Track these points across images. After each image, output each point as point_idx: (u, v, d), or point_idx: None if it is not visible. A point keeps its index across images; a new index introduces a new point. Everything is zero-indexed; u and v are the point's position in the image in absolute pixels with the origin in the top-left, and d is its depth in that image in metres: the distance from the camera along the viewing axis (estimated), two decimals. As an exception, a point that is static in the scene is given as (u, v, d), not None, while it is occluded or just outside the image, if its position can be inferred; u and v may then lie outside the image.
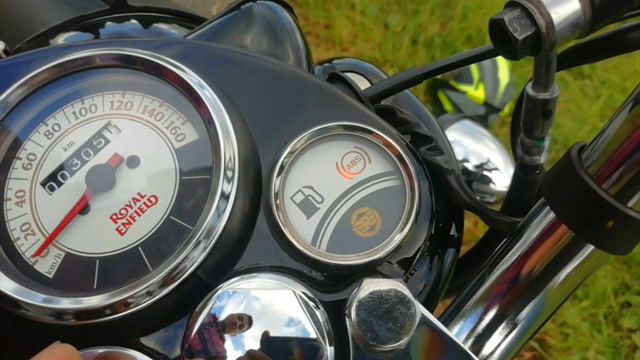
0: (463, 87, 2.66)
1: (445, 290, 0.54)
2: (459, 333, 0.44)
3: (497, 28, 0.38)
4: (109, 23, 0.68)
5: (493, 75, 2.65)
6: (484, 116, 2.74)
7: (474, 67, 2.70)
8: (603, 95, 2.97)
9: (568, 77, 2.97)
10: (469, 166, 1.13)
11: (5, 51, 0.61)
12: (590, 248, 0.40)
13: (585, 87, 2.95)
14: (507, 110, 2.75)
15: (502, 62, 2.63)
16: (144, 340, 0.45)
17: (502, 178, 1.16)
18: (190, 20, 0.73)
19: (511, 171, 1.17)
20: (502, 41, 0.38)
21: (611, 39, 0.44)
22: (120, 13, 0.68)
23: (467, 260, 0.58)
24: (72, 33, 0.67)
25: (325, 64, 0.66)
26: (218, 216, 0.44)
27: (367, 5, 3.05)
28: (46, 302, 0.42)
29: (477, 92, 2.68)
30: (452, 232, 0.53)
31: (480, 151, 1.14)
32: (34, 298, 0.42)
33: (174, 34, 0.72)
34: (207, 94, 0.48)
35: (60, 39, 0.66)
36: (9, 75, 0.50)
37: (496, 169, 1.16)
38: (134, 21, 0.70)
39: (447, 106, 2.75)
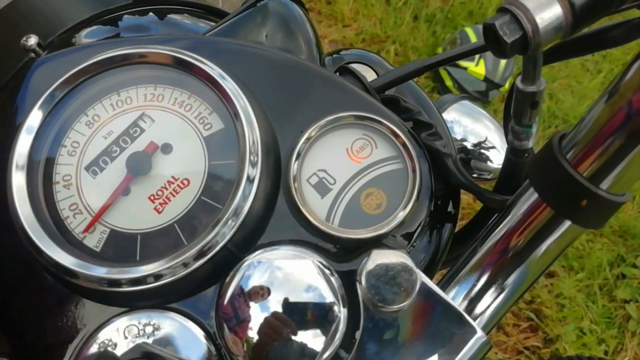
0: (464, 63, 2.70)
1: (443, 261, 0.60)
2: (454, 297, 0.51)
3: (489, 31, 0.44)
4: (127, 16, 0.74)
5: (493, 51, 2.68)
6: (485, 92, 2.78)
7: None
8: (604, 69, 3.00)
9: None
10: (468, 145, 1.18)
11: (39, 45, 0.66)
12: (567, 223, 0.47)
13: (586, 61, 2.98)
14: (507, 85, 2.80)
15: (502, 38, 2.65)
16: (180, 305, 0.52)
17: (498, 156, 1.21)
18: (207, 12, 0.79)
19: (508, 150, 1.23)
20: (494, 42, 0.44)
21: (591, 37, 0.50)
22: (142, 6, 0.73)
23: (462, 235, 0.64)
24: (94, 27, 0.72)
25: (334, 55, 0.72)
26: (244, 197, 0.50)
27: (370, -20, 3.06)
28: (98, 272, 0.49)
29: (477, 68, 2.72)
30: (450, 209, 0.60)
31: (478, 130, 1.19)
32: (88, 269, 0.49)
33: (191, 26, 0.77)
34: (232, 87, 0.54)
35: (84, 33, 0.72)
36: (54, 70, 0.56)
37: (493, 147, 1.21)
38: (151, 14, 0.75)
39: (448, 82, 2.79)
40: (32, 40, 0.65)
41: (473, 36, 2.75)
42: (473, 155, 1.14)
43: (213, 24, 0.79)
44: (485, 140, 1.16)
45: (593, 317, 2.24)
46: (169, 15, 0.76)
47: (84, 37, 0.71)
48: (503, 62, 2.74)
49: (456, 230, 0.62)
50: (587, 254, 2.39)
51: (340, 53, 0.73)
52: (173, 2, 0.76)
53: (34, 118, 0.53)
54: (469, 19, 3.08)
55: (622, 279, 2.36)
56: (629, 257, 2.40)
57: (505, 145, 1.22)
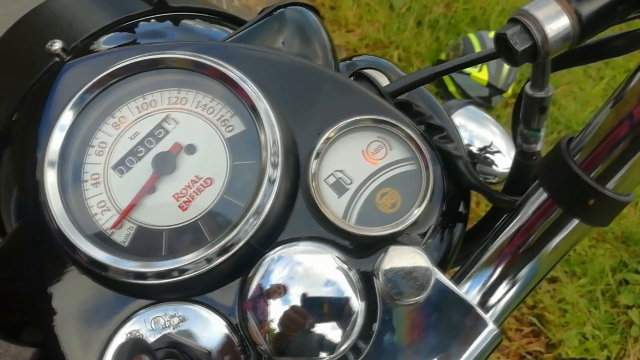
0: (467, 69, 2.74)
1: (454, 259, 0.63)
2: (466, 291, 0.54)
3: (501, 40, 0.47)
4: (145, 23, 0.77)
5: (497, 57, 2.71)
6: (488, 97, 2.82)
7: (478, 49, 2.77)
8: (606, 76, 3.04)
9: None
10: (474, 149, 1.21)
11: (63, 49, 0.69)
12: (575, 222, 0.50)
13: (588, 68, 3.02)
14: (510, 91, 2.83)
15: (505, 45, 2.69)
16: (204, 298, 0.54)
17: (504, 160, 1.25)
18: (222, 18, 0.82)
19: (512, 154, 1.26)
20: (505, 50, 0.47)
21: (597, 46, 0.53)
22: (161, 13, 0.76)
23: (472, 235, 0.67)
24: (115, 33, 0.76)
25: (347, 61, 0.75)
26: (266, 197, 0.53)
27: (373, -14, 3.11)
28: (126, 265, 0.52)
29: (480, 74, 2.76)
30: (461, 209, 0.63)
31: (484, 135, 1.22)
32: (117, 262, 0.52)
33: (205, 31, 0.80)
34: (253, 91, 0.57)
35: (105, 38, 0.75)
36: (82, 73, 0.59)
37: (499, 151, 1.24)
38: (167, 21, 0.79)
39: (451, 87, 2.83)
40: (57, 45, 0.68)
41: (476, 42, 2.79)
42: (479, 160, 1.17)
43: (227, 29, 0.82)
44: (490, 145, 1.19)
45: (595, 323, 2.26)
46: (183, 21, 0.79)
47: (105, 42, 0.74)
48: (506, 68, 2.77)
49: (466, 230, 0.65)
50: (589, 260, 2.41)
51: (353, 59, 0.76)
52: (190, 9, 0.79)
53: (66, 118, 0.56)
54: (472, 25, 3.12)
55: (625, 284, 2.39)
56: (631, 263, 2.43)
57: (511, 150, 1.26)
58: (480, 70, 2.75)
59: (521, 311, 2.29)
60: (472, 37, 2.82)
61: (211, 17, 0.81)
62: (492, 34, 2.82)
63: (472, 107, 1.24)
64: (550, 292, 2.33)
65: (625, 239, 2.51)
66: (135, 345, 0.44)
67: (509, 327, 2.23)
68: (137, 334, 0.52)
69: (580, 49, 0.53)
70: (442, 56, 2.90)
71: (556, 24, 0.45)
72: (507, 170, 1.20)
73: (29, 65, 0.74)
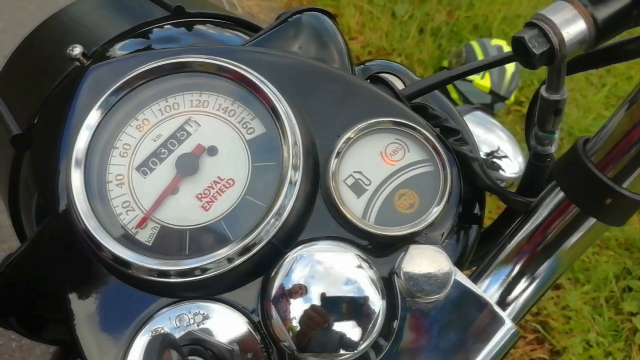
0: (470, 76, 2.75)
1: (469, 261, 0.65)
2: (484, 290, 0.55)
3: (518, 43, 0.48)
4: (159, 30, 0.78)
5: (499, 64, 2.74)
6: (490, 104, 2.84)
7: (480, 56, 2.79)
8: (608, 83, 3.07)
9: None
10: (481, 154, 1.23)
11: (83, 54, 0.71)
12: (592, 221, 0.51)
13: (590, 75, 3.05)
14: (512, 98, 2.86)
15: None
16: (227, 296, 0.56)
17: (511, 165, 1.26)
18: (237, 24, 0.84)
19: (520, 159, 1.28)
20: (522, 54, 0.49)
21: (612, 50, 0.55)
22: (178, 19, 0.78)
23: (485, 236, 0.68)
24: (133, 38, 0.77)
25: (362, 66, 0.77)
26: (287, 199, 0.55)
27: (376, -7, 3.14)
28: (150, 263, 0.53)
29: (483, 81, 2.78)
30: (476, 211, 0.64)
31: (491, 140, 1.23)
32: (141, 260, 0.53)
33: (218, 36, 0.82)
34: (274, 94, 0.58)
35: (124, 43, 0.77)
36: (106, 77, 0.61)
37: (506, 156, 1.26)
38: (185, 27, 0.80)
39: (454, 94, 2.85)
40: (77, 49, 0.70)
41: (478, 49, 2.81)
42: (486, 165, 1.18)
43: (242, 35, 0.84)
44: (497, 150, 1.21)
45: (599, 330, 2.27)
46: (199, 27, 0.81)
47: (124, 47, 0.75)
48: (508, 75, 2.80)
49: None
50: (593, 267, 2.43)
51: (366, 64, 0.78)
52: (205, 15, 0.81)
53: (92, 118, 0.58)
54: (474, 32, 3.15)
55: (629, 291, 2.39)
56: (635, 270, 2.44)
57: (518, 155, 1.27)
58: (482, 77, 2.77)
59: (525, 318, 2.29)
60: (475, 45, 2.84)
61: (226, 23, 0.83)
62: (494, 41, 2.85)
63: (479, 113, 1.25)
64: (554, 299, 2.34)
65: (629, 245, 2.52)
66: (165, 340, 0.45)
67: (513, 334, 2.24)
68: (161, 332, 0.53)
69: (595, 52, 0.54)
70: (445, 63, 2.93)
71: (573, 28, 0.47)
72: (515, 175, 1.22)
73: (49, 70, 0.76)
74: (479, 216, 0.64)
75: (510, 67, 2.78)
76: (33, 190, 0.77)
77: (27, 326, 0.66)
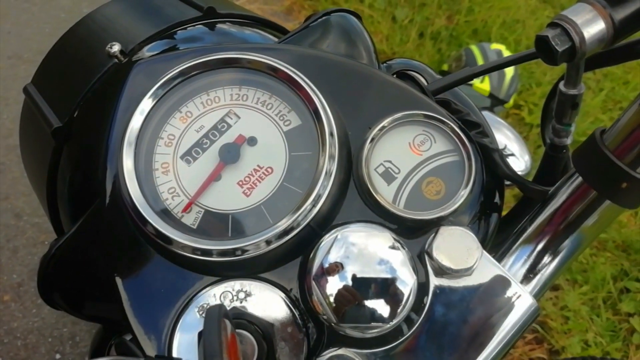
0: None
1: (489, 247, 0.69)
2: (508, 268, 0.60)
3: (542, 41, 0.53)
4: (193, 28, 0.83)
5: (499, 68, 2.79)
6: (490, 108, 2.90)
7: (479, 60, 2.85)
8: (605, 88, 3.13)
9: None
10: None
11: (121, 51, 0.76)
12: (608, 203, 0.56)
13: (587, 80, 3.11)
14: (511, 102, 2.91)
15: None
16: (267, 275, 0.60)
17: (518, 163, 1.32)
18: (264, 25, 0.89)
19: (526, 157, 1.33)
20: (545, 51, 0.54)
21: (624, 49, 0.60)
22: (210, 19, 0.83)
23: (503, 224, 0.73)
24: (166, 39, 0.82)
25: (384, 64, 0.82)
26: (323, 187, 0.59)
27: (376, -2, 3.19)
28: (195, 243, 0.58)
29: (483, 85, 2.84)
30: (496, 200, 0.69)
31: (499, 139, 1.28)
32: (187, 240, 0.58)
33: (253, 37, 0.87)
34: (310, 89, 0.63)
35: (158, 42, 0.81)
36: (151, 72, 0.65)
37: (513, 154, 1.31)
38: (216, 27, 0.85)
39: (454, 98, 2.90)
40: (116, 47, 0.74)
41: (478, 53, 2.87)
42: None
43: (269, 35, 0.88)
44: (504, 148, 1.26)
45: (597, 330, 2.31)
46: (230, 27, 0.86)
47: (159, 46, 0.80)
48: (507, 79, 2.86)
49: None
50: (590, 268, 2.48)
51: (388, 62, 0.83)
52: (234, 16, 0.85)
53: (146, 104, 0.62)
54: (473, 37, 3.21)
55: (626, 292, 2.44)
56: (632, 272, 2.49)
57: (524, 154, 1.32)
58: (482, 81, 2.83)
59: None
60: (474, 49, 2.90)
61: (253, 24, 0.88)
62: (493, 46, 2.92)
63: (487, 113, 1.31)
64: (552, 299, 2.38)
65: (626, 247, 2.57)
66: (222, 310, 0.49)
67: (513, 334, 2.28)
68: (207, 308, 0.58)
69: (611, 50, 0.59)
70: (445, 67, 2.99)
71: (593, 28, 0.52)
72: (521, 173, 1.27)
73: (87, 67, 0.80)
74: (499, 205, 0.69)
75: (509, 72, 2.84)
76: (73, 180, 0.82)
77: (71, 303, 0.71)
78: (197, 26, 0.83)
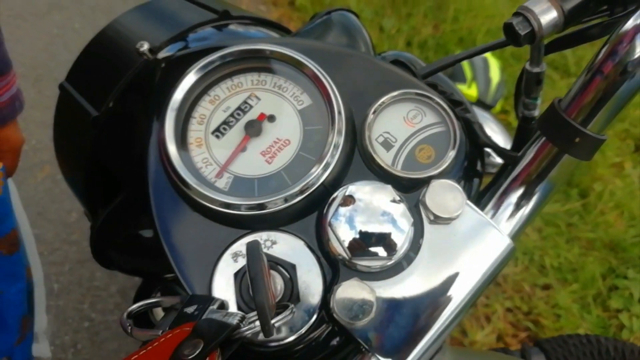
0: (457, 86, 2.98)
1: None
2: (486, 213, 0.75)
3: (508, 28, 0.69)
4: (210, 29, 0.99)
5: (485, 74, 2.96)
6: (477, 113, 3.07)
7: (466, 67, 3.02)
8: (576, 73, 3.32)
9: (555, 75, 3.32)
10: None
11: (150, 49, 0.90)
12: (566, 156, 0.72)
13: (570, 83, 3.29)
14: (498, 107, 3.09)
15: (493, 63, 2.95)
16: (288, 227, 0.75)
17: (501, 154, 1.47)
18: (271, 26, 1.04)
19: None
20: (511, 35, 0.69)
21: (577, 34, 0.76)
22: (225, 21, 0.98)
23: (486, 190, 0.89)
24: (187, 39, 0.97)
25: (379, 56, 0.98)
26: (332, 156, 0.74)
27: (363, 9, 3.37)
28: (227, 199, 0.72)
29: (470, 90, 3.01)
30: (478, 167, 0.85)
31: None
32: (221, 197, 0.72)
33: (264, 36, 1.03)
34: (320, 73, 0.78)
35: (180, 42, 0.97)
36: (183, 65, 0.80)
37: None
38: (230, 28, 1.00)
39: (442, 104, 3.07)
40: (145, 45, 0.89)
41: (465, 61, 3.04)
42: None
43: (275, 34, 1.04)
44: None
45: (589, 327, 2.42)
46: (242, 28, 1.01)
47: (183, 43, 0.95)
48: (494, 84, 3.03)
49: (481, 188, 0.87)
50: (580, 267, 2.62)
51: (382, 54, 0.99)
52: (246, 17, 1.01)
53: (188, 80, 0.78)
54: (459, 45, 3.39)
55: (615, 289, 2.56)
56: (620, 269, 2.62)
57: (508, 145, 1.49)
58: (469, 86, 3.00)
59: (517, 317, 2.48)
60: (461, 56, 3.08)
61: (262, 25, 1.04)
62: (479, 53, 3.10)
63: (475, 108, 1.47)
64: (544, 298, 2.52)
65: (614, 246, 2.71)
66: (258, 243, 0.64)
67: (506, 332, 2.42)
68: (241, 254, 0.72)
69: (565, 36, 0.76)
70: (432, 75, 3.16)
71: (548, 15, 0.68)
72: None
73: (119, 63, 0.95)
74: (480, 172, 0.85)
75: (495, 77, 3.02)
76: (112, 159, 0.96)
77: (119, 261, 0.85)
78: (214, 27, 0.98)
